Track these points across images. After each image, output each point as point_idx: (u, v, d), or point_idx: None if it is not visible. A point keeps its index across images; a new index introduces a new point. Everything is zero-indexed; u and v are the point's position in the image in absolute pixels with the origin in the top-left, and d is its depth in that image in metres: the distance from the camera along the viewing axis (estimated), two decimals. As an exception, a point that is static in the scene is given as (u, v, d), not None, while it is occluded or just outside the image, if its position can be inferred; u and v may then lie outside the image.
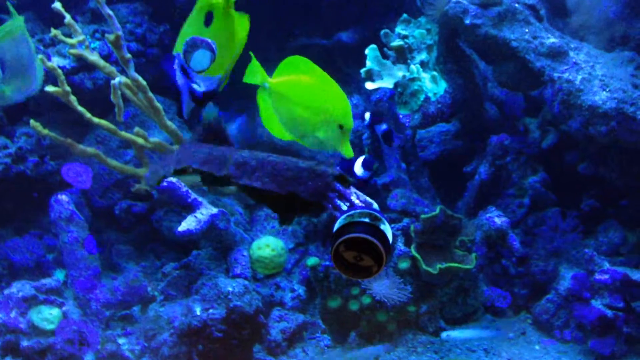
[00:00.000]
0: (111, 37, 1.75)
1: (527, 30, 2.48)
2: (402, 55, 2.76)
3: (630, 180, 2.57)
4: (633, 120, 2.28)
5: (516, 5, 2.51)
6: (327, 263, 2.41)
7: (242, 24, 1.54)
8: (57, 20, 1.95)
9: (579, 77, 2.37)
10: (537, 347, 2.46)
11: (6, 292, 2.52)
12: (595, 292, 2.38)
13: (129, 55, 1.81)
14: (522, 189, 2.77)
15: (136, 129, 2.00)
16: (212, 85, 1.61)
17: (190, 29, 1.52)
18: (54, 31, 1.93)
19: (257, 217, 2.87)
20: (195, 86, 1.58)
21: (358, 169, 2.21)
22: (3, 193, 2.87)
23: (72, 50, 1.87)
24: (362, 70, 2.72)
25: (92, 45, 2.94)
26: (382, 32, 2.82)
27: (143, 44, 3.09)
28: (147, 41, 3.10)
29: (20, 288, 2.52)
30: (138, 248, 2.98)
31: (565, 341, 2.46)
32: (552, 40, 2.45)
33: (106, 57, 2.84)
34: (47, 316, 2.46)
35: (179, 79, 1.57)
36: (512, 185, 2.78)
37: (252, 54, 1.51)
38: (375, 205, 1.24)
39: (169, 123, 1.96)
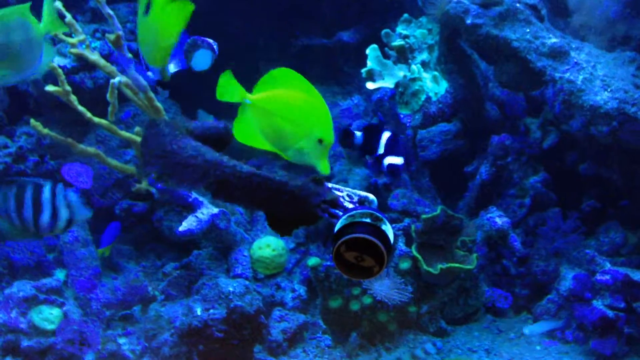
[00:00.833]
0: (112, 36, 1.75)
1: (528, 30, 2.48)
2: (403, 55, 2.76)
3: (631, 181, 2.57)
4: (635, 120, 2.27)
5: (517, 5, 2.51)
6: (328, 263, 2.41)
7: (181, 14, 1.51)
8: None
9: (581, 77, 2.36)
10: (538, 348, 2.45)
11: (6, 291, 2.51)
12: (597, 292, 2.38)
13: (129, 55, 1.81)
14: (523, 189, 2.76)
15: (137, 128, 2.00)
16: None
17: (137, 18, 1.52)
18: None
19: (257, 217, 2.87)
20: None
21: (391, 159, 2.07)
22: (3, 193, 2.87)
23: (73, 50, 1.86)
24: (363, 70, 2.72)
25: (93, 45, 2.93)
26: (383, 31, 2.81)
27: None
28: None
29: (20, 288, 2.51)
30: (139, 248, 2.97)
31: (567, 342, 2.46)
32: (554, 40, 2.45)
33: (107, 57, 2.84)
34: (48, 316, 2.46)
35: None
36: (513, 186, 2.78)
37: (228, 71, 1.46)
38: (372, 197, 1.22)
39: (170, 123, 1.95)
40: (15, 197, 1.81)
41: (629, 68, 2.41)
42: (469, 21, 2.53)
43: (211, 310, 2.30)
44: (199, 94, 2.51)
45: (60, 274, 2.73)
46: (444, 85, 2.77)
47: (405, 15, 2.85)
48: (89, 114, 1.93)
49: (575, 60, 2.42)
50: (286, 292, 2.63)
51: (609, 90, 2.31)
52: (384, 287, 2.33)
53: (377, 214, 1.07)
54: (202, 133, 1.30)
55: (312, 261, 2.43)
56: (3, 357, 2.38)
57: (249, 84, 1.63)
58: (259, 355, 2.42)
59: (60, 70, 1.89)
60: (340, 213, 1.12)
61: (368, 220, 1.05)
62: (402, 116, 2.88)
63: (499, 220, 2.58)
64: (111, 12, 1.74)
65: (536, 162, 2.79)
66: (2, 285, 2.71)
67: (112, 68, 1.93)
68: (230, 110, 1.63)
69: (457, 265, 2.40)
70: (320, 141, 1.37)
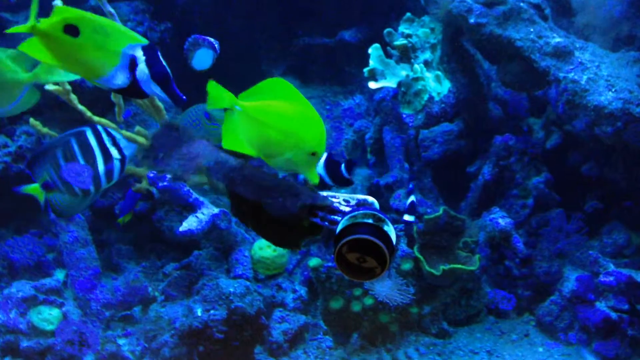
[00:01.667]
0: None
1: (532, 30, 2.46)
2: (406, 55, 2.75)
3: (635, 182, 2.55)
4: (639, 121, 2.26)
5: (521, 4, 2.49)
6: (330, 264, 2.40)
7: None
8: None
9: (585, 77, 2.35)
10: (540, 350, 2.44)
11: (6, 292, 2.51)
12: (600, 294, 2.36)
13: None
14: (526, 189, 2.75)
15: (137, 127, 1.99)
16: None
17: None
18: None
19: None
20: None
21: (406, 215, 2.17)
22: (3, 192, 2.86)
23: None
24: (366, 70, 2.71)
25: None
26: (386, 31, 2.80)
27: (144, 42, 3.07)
28: (148, 40, 3.09)
29: (20, 288, 2.51)
30: (139, 248, 2.97)
31: (570, 343, 2.44)
32: (558, 39, 2.43)
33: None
34: (47, 317, 2.45)
35: None
36: (516, 186, 2.76)
37: (212, 81, 1.43)
38: (371, 199, 1.21)
39: (170, 122, 1.94)
40: (64, 155, 1.79)
41: (633, 68, 2.40)
42: (472, 20, 2.51)
43: (212, 311, 2.29)
44: (199, 94, 2.50)
45: (59, 274, 2.73)
46: (446, 85, 2.76)
47: (408, 14, 2.84)
48: (88, 113, 1.92)
49: (580, 60, 2.41)
50: (287, 293, 2.63)
51: (613, 90, 2.30)
52: (386, 288, 2.31)
53: (379, 215, 1.06)
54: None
55: (313, 262, 2.42)
56: (3, 358, 2.37)
57: (249, 84, 1.62)
58: (259, 356, 2.41)
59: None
60: (339, 218, 1.11)
61: (370, 221, 1.04)
62: (404, 116, 2.86)
63: (501, 221, 2.57)
64: (112, 11, 1.72)
65: (539, 163, 2.78)
66: (1, 285, 2.70)
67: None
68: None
69: (459, 266, 2.38)
70: (312, 154, 1.36)
